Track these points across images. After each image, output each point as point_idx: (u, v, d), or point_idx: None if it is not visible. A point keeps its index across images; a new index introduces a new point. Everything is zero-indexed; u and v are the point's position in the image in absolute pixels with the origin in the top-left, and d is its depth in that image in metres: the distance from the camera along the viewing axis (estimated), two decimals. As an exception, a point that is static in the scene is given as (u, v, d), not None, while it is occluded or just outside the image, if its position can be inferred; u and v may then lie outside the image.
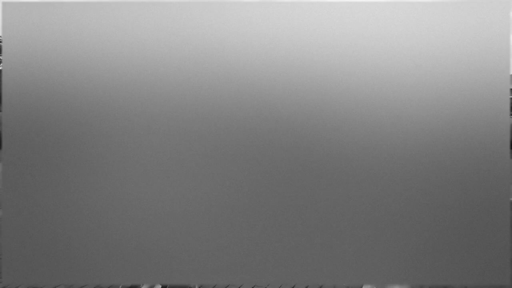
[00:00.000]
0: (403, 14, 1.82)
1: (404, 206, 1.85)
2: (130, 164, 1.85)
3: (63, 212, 1.86)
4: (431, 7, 1.81)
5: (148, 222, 1.86)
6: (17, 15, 1.85)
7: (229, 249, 1.86)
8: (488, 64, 1.83)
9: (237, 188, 1.85)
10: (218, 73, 1.83)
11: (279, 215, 1.85)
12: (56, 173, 1.86)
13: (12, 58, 1.84)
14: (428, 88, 1.83)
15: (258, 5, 1.83)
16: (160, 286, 2.69)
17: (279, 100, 1.83)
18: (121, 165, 1.85)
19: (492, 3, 1.82)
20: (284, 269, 1.87)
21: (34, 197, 1.86)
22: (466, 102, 1.83)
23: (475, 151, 1.83)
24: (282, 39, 1.83)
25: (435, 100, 1.83)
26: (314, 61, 1.83)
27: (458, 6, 1.82)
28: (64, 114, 1.85)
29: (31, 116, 1.84)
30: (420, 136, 1.84)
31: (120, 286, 2.73)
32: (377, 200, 1.85)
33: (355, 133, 1.83)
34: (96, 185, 1.85)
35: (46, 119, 1.85)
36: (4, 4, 1.92)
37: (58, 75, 1.84)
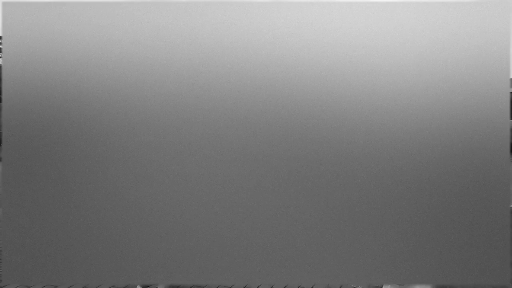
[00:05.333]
0: (403, 14, 1.82)
1: (405, 206, 1.85)
2: (130, 164, 1.85)
3: (63, 212, 1.86)
4: (432, 8, 1.81)
5: (148, 222, 1.86)
6: (17, 15, 1.85)
7: (229, 249, 1.86)
8: (488, 65, 1.83)
9: (238, 188, 1.85)
10: (218, 73, 1.83)
11: (280, 215, 1.85)
12: (56, 173, 1.86)
13: (12, 58, 1.84)
14: (428, 88, 1.83)
15: (258, 5, 1.83)
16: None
17: (279, 100, 1.83)
18: (121, 165, 1.85)
19: (492, 4, 1.82)
20: (286, 269, 1.87)
21: (34, 197, 1.86)
22: (466, 103, 1.83)
23: (476, 151, 1.83)
24: (282, 39, 1.83)
25: (436, 100, 1.83)
26: (315, 61, 1.83)
27: (458, 6, 1.82)
28: (63, 114, 1.85)
29: (31, 116, 1.85)
30: (421, 137, 1.84)
31: (138, 286, 2.75)
32: (378, 200, 1.85)
33: (355, 134, 1.84)
34: (96, 185, 1.85)
35: (45, 118, 1.85)
36: (4, 4, 1.92)
37: (58, 75, 1.84)
